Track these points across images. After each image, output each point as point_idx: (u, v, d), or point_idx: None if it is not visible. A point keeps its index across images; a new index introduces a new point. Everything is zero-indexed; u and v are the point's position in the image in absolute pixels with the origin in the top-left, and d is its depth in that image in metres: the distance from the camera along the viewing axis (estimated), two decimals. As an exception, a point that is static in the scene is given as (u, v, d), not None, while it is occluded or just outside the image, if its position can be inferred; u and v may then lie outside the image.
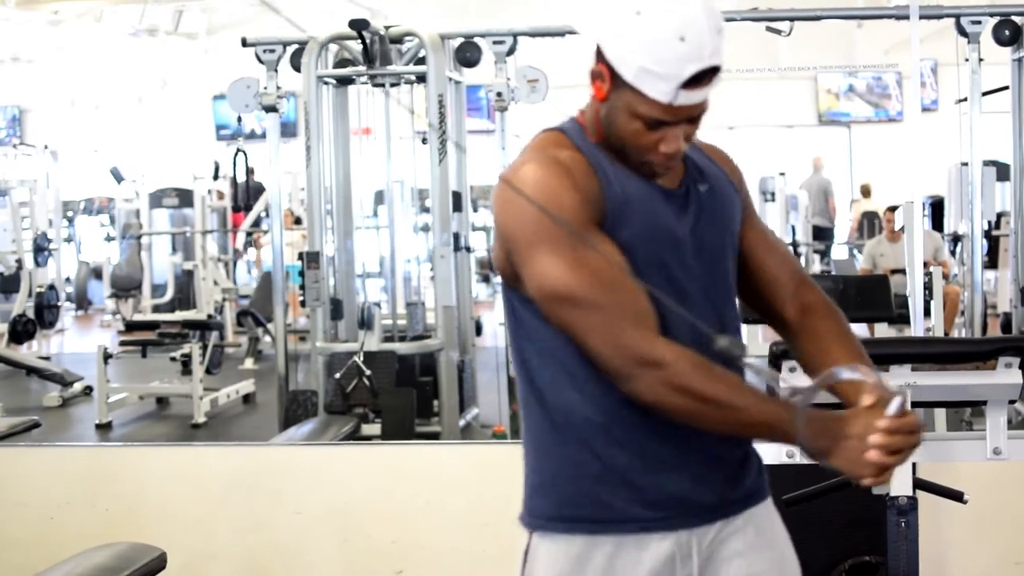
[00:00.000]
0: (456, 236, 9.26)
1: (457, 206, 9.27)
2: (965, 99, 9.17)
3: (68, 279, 18.46)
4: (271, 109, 9.40)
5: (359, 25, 8.98)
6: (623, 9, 2.48)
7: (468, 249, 9.71)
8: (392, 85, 9.57)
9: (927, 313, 7.79)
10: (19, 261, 13.30)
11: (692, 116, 2.55)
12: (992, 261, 11.73)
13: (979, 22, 8.98)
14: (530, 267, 2.56)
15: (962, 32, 9.03)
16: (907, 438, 2.44)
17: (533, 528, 2.72)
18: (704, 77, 2.48)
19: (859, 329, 12.37)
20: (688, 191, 2.68)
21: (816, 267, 17.43)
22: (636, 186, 2.61)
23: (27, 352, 13.49)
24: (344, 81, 9.71)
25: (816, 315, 2.81)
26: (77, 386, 11.96)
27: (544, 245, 2.52)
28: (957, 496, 4.20)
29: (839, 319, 2.83)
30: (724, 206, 2.73)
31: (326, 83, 9.50)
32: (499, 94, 9.31)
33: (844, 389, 2.60)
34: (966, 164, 9.53)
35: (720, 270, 2.71)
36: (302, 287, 9.18)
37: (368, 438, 8.51)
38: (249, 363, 13.36)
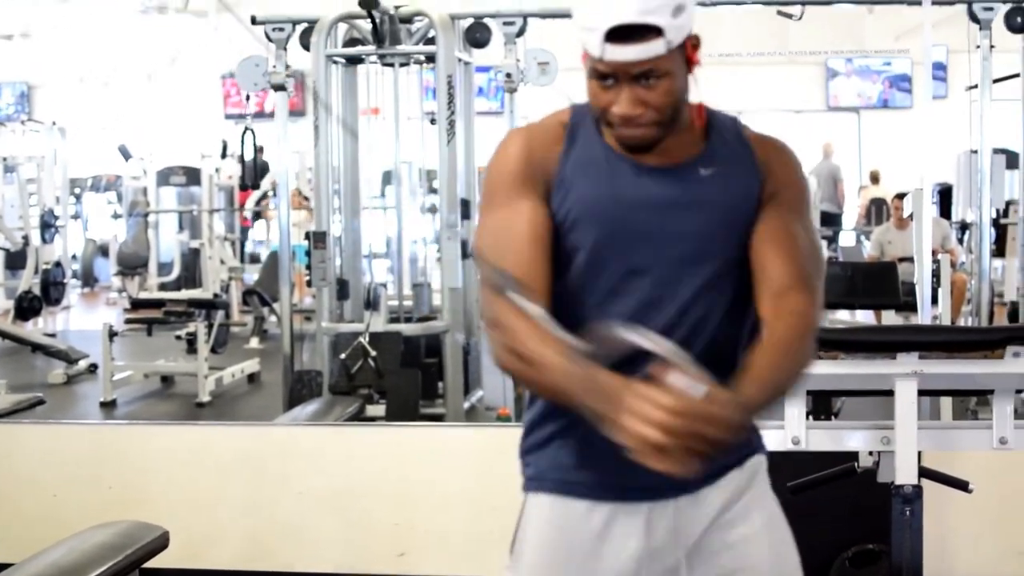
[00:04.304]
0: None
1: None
2: (975, 86, 9.14)
3: (74, 256, 18.44)
4: (280, 88, 9.38)
5: (369, 4, 8.95)
6: None
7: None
8: (401, 65, 9.55)
9: (934, 301, 7.79)
10: (26, 237, 13.32)
11: (636, 75, 2.50)
12: (1000, 249, 11.69)
13: (991, 9, 8.95)
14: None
15: (974, 18, 9.00)
16: (698, 424, 2.22)
17: (527, 489, 2.76)
18: (633, 34, 2.45)
19: (866, 316, 12.38)
20: (682, 170, 2.64)
21: (824, 253, 17.39)
22: (604, 155, 2.63)
23: (32, 329, 13.50)
24: (353, 60, 9.70)
25: (777, 321, 2.59)
26: (82, 363, 11.95)
27: (482, 208, 2.69)
28: (962, 485, 4.20)
29: (794, 331, 2.59)
30: (725, 194, 2.66)
31: (335, 62, 9.49)
32: (508, 75, 9.30)
33: None
34: (975, 152, 9.51)
35: (699, 255, 2.64)
36: (308, 267, 9.18)
37: (372, 419, 8.50)
38: (254, 342, 13.34)
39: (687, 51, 2.54)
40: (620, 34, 2.45)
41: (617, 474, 2.61)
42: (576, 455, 2.68)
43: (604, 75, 2.52)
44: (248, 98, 11.16)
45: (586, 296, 2.63)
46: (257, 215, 17.67)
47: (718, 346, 2.65)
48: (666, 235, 2.61)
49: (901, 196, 12.91)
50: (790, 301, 2.60)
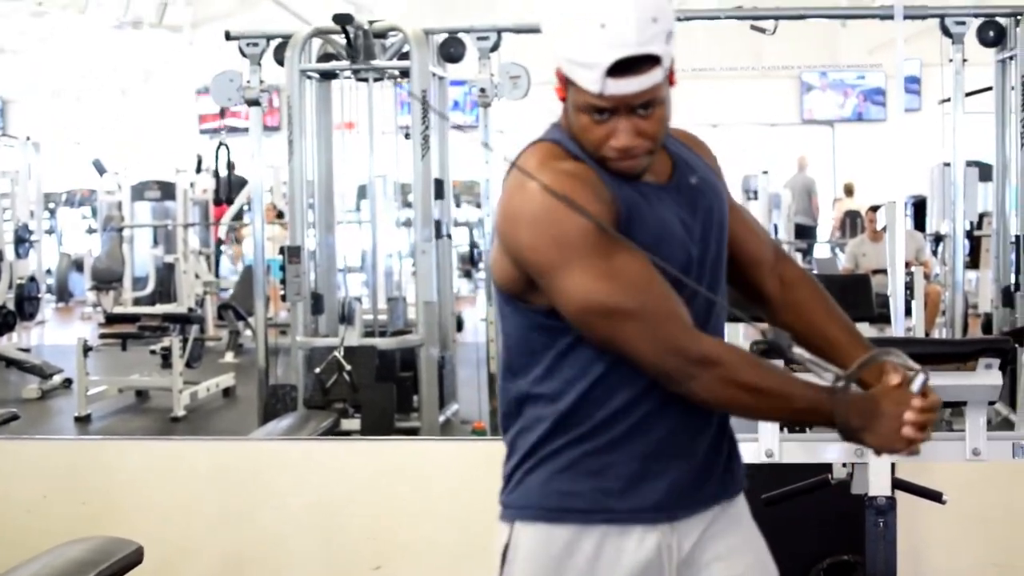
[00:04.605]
0: (438, 223, 9.25)
1: (439, 193, 9.27)
2: (948, 99, 9.18)
3: (49, 271, 18.36)
4: (254, 103, 9.37)
5: (343, 20, 8.96)
6: (561, 2, 2.49)
7: (449, 236, 9.72)
8: (376, 80, 9.55)
9: (908, 313, 7.81)
10: (0, 252, 13.26)
11: (636, 106, 2.49)
12: (974, 261, 11.73)
13: (963, 23, 9.01)
14: (561, 285, 2.53)
15: (946, 32, 9.05)
16: (932, 415, 2.54)
17: (516, 518, 2.73)
18: (634, 66, 2.44)
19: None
20: (679, 185, 2.66)
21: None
22: (637, 188, 2.60)
23: (7, 344, 13.43)
24: (327, 75, 9.70)
25: (797, 288, 2.89)
26: (56, 378, 11.92)
27: (572, 262, 2.51)
28: (936, 496, 4.21)
29: (818, 289, 2.91)
30: (714, 195, 2.72)
31: (309, 77, 9.48)
32: (482, 90, 9.31)
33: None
34: (949, 164, 9.55)
35: (719, 260, 2.72)
36: (283, 281, 9.16)
37: (347, 433, 8.49)
38: (229, 357, 13.33)
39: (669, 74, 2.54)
40: (621, 67, 2.43)
41: (611, 497, 2.66)
42: (568, 481, 2.68)
43: (601, 109, 2.50)
44: (222, 113, 11.16)
45: None
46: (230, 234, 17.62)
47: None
48: (706, 246, 2.67)
49: (875, 209, 12.94)
50: (788, 270, 2.91)
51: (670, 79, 2.55)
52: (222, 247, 17.39)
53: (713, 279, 2.69)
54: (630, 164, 2.56)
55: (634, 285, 2.51)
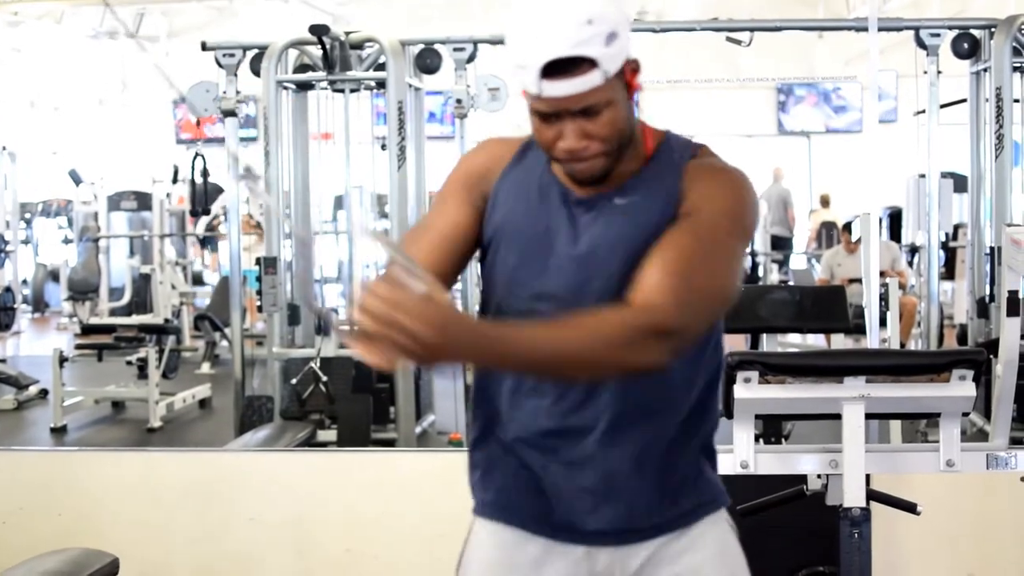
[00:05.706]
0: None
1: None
2: (923, 111, 9.22)
3: (25, 281, 18.32)
4: (230, 113, 9.36)
5: (319, 30, 8.96)
6: (512, 11, 2.52)
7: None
8: (352, 91, 9.55)
9: (883, 324, 7.84)
10: (-24, 263, 13.26)
11: (578, 110, 2.48)
12: (949, 272, 11.79)
13: (938, 35, 9.05)
14: None
15: (921, 44, 9.10)
16: (398, 312, 2.16)
17: (475, 513, 2.81)
18: (568, 68, 2.43)
19: (816, 340, 12.42)
20: (599, 200, 2.62)
21: (774, 276, 17.48)
22: (538, 180, 2.67)
23: (-18, 354, 13.43)
24: (304, 86, 9.68)
25: (613, 311, 2.46)
26: (32, 389, 11.88)
27: None
28: (910, 508, 4.22)
29: (617, 321, 2.40)
30: (633, 224, 2.59)
31: (286, 88, 9.47)
32: (459, 101, 9.31)
33: None
34: (924, 176, 9.57)
35: (602, 285, 2.58)
36: (259, 292, 9.15)
37: (324, 445, 8.50)
38: (206, 368, 13.30)
39: (626, 76, 2.52)
40: (555, 69, 2.43)
41: (551, 511, 2.70)
42: (513, 484, 2.73)
43: (544, 113, 2.51)
44: (198, 123, 11.15)
45: (503, 316, 2.65)
46: (208, 241, 17.59)
47: (633, 381, 2.61)
48: (570, 264, 2.61)
49: (848, 227, 12.99)
50: (637, 298, 2.45)
51: (630, 83, 2.53)
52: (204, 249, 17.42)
53: (588, 299, 2.55)
54: (581, 167, 2.56)
55: (408, 235, 2.89)
